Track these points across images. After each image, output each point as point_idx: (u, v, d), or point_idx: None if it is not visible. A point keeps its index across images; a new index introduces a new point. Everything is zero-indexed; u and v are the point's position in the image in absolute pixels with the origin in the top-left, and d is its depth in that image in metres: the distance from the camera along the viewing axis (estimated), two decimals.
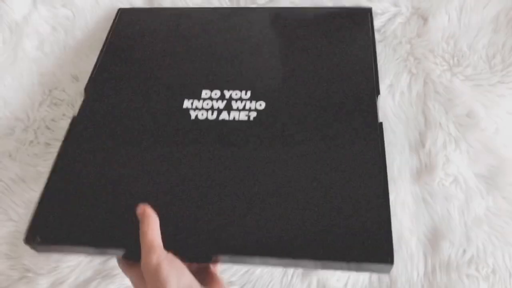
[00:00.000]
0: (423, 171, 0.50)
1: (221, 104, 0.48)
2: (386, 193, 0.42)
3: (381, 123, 0.46)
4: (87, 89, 0.51)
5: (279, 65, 0.51)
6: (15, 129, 0.56)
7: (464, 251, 0.47)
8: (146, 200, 0.38)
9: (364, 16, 0.54)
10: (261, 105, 0.47)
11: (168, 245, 0.35)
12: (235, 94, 0.48)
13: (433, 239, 0.48)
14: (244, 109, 0.47)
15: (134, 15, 0.57)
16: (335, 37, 0.52)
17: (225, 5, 0.58)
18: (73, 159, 0.46)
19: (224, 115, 0.47)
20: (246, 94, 0.48)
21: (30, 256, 0.51)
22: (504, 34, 0.53)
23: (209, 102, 0.48)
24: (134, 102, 0.49)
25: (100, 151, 0.46)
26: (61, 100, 0.57)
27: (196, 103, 0.48)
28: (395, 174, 0.49)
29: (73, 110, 0.57)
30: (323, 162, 0.43)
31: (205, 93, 0.49)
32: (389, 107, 0.52)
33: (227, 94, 0.49)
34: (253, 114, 0.47)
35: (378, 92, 0.49)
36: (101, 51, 0.54)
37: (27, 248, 0.51)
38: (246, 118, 0.47)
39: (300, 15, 0.55)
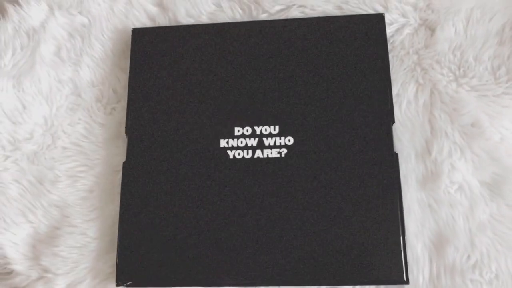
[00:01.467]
0: (429, 178, 0.52)
1: (254, 142, 0.52)
2: (402, 220, 0.49)
3: (396, 154, 0.51)
4: (127, 132, 0.55)
5: (298, 90, 0.54)
6: (34, 134, 0.58)
7: (469, 256, 0.49)
8: (202, 237, 0.50)
9: (377, 25, 0.55)
10: (289, 140, 0.52)
11: (214, 270, 0.49)
12: (265, 129, 0.52)
13: (438, 244, 0.50)
14: (275, 145, 0.52)
15: (150, 37, 0.58)
16: (349, 53, 0.55)
17: (237, 14, 0.60)
18: (134, 204, 0.52)
19: (258, 153, 0.52)
20: (274, 129, 0.52)
21: (48, 257, 0.53)
22: (509, 46, 0.54)
23: (243, 140, 0.52)
24: (174, 144, 0.54)
25: (156, 195, 0.52)
26: (77, 105, 0.59)
27: (231, 142, 0.52)
28: (401, 180, 0.51)
29: (89, 115, 0.58)
30: (344, 197, 0.50)
31: (237, 130, 0.53)
32: (396, 116, 0.54)
33: (257, 130, 0.53)
34: (284, 151, 0.51)
35: (393, 121, 0.52)
36: (129, 84, 0.57)
37: (45, 249, 0.53)
38: (278, 155, 0.51)
39: (311, 26, 0.56)
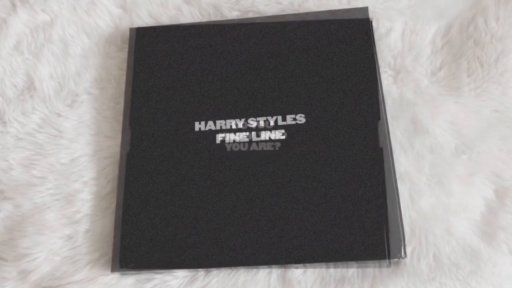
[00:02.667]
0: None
1: (249, 135, 0.55)
2: (385, 207, 0.52)
3: (381, 148, 0.54)
4: (131, 124, 0.57)
5: (291, 88, 0.58)
6: None
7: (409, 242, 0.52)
8: (201, 221, 0.52)
9: (363, 30, 0.60)
10: (283, 135, 0.55)
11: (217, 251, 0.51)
12: (260, 124, 0.56)
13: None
14: (269, 139, 0.55)
15: (152, 36, 0.62)
16: (339, 55, 0.59)
17: (197, 19, 0.63)
18: (137, 191, 0.54)
19: (253, 146, 0.55)
20: (269, 124, 0.56)
21: None
22: (441, 55, 0.60)
23: (239, 134, 0.56)
24: (174, 136, 0.56)
25: (158, 184, 0.54)
26: (31, 97, 0.60)
27: (229, 136, 0.55)
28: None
29: (45, 105, 0.60)
30: (333, 187, 0.53)
31: (234, 125, 0.56)
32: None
33: (253, 124, 0.56)
34: (277, 144, 0.55)
35: (378, 118, 0.56)
36: (131, 80, 0.60)
37: None
38: (272, 148, 0.54)
39: (306, 29, 0.60)
